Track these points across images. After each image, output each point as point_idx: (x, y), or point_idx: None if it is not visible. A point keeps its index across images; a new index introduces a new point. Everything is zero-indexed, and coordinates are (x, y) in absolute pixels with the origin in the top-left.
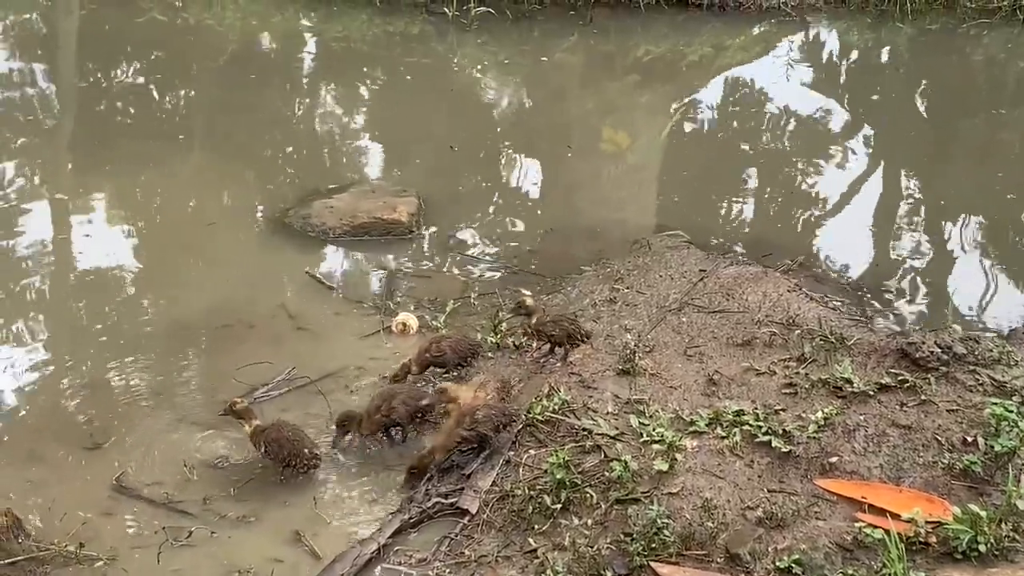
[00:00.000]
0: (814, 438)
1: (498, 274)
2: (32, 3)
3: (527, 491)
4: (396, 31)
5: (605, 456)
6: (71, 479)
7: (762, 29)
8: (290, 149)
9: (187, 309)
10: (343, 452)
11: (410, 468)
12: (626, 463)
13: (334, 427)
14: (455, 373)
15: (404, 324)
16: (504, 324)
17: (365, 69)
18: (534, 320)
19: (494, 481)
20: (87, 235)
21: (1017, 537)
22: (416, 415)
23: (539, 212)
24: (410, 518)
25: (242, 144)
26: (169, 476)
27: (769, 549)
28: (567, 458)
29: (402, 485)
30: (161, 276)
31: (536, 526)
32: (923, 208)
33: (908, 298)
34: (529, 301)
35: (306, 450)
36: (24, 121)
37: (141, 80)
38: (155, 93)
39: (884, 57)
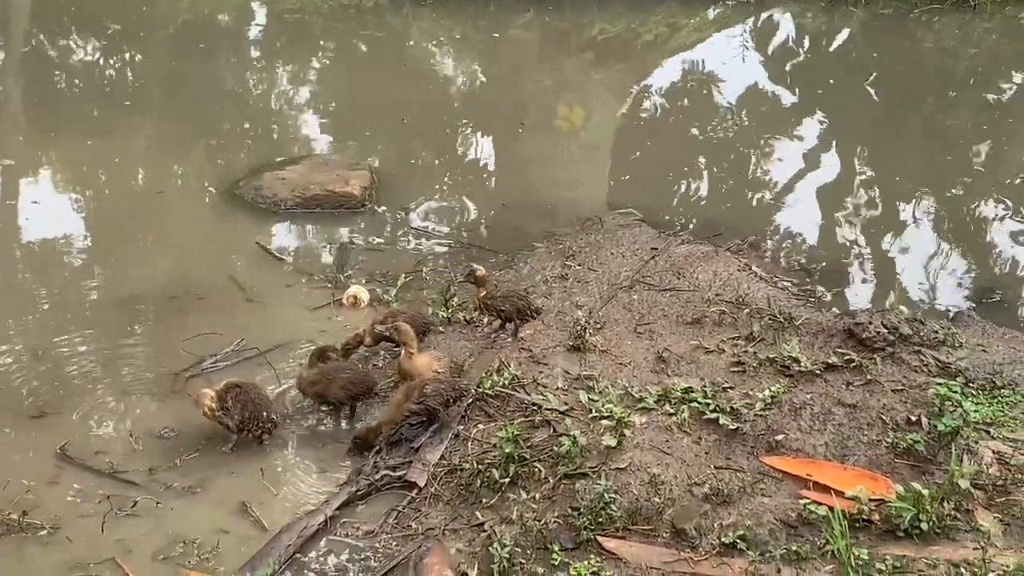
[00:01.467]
0: (761, 416)
1: (450, 249)
2: None
3: (476, 465)
4: (350, 4)
5: (554, 431)
6: (15, 448)
7: (717, 11)
8: (242, 121)
9: (136, 279)
10: (290, 423)
11: (355, 438)
12: (575, 438)
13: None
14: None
15: (355, 297)
16: (455, 299)
17: (319, 42)
18: (483, 292)
19: (443, 455)
20: (35, 202)
21: (958, 516)
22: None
23: (492, 188)
24: (358, 490)
25: (194, 115)
26: (115, 446)
27: (715, 525)
28: (516, 433)
29: (346, 454)
30: (110, 246)
31: (484, 500)
32: (872, 191)
33: (856, 279)
34: (480, 272)
35: (266, 413)
36: None
37: (91, 49)
38: (106, 62)
39: (837, 41)
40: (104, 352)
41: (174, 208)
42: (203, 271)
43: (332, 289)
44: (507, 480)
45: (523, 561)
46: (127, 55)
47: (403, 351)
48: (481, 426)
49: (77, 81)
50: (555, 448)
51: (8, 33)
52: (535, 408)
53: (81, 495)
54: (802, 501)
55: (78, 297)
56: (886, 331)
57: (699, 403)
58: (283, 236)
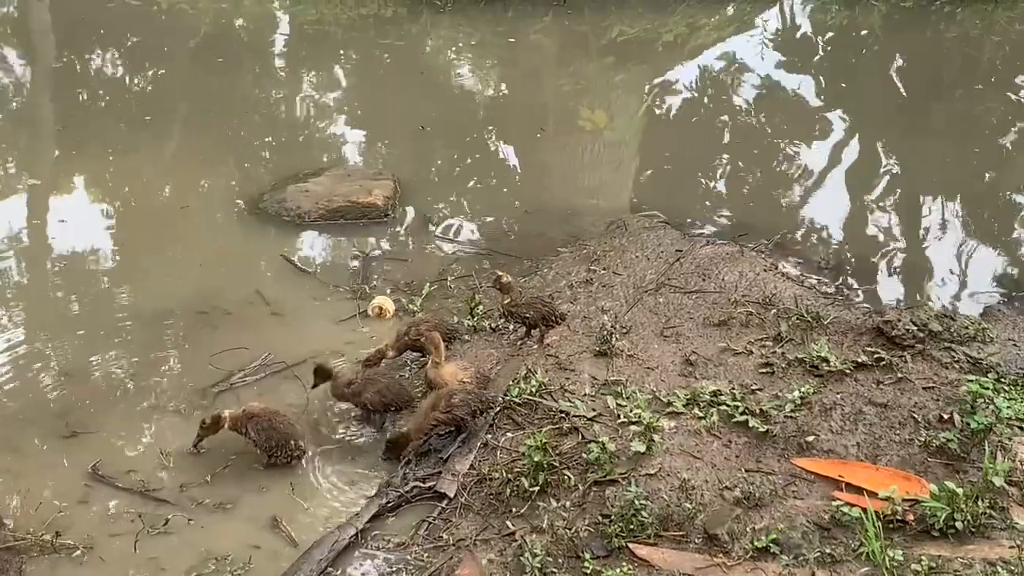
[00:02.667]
0: (791, 417)
1: (474, 257)
2: None
3: (505, 474)
4: (369, 14)
5: (583, 438)
6: (47, 468)
7: (736, 8)
8: (264, 133)
9: (163, 296)
10: (319, 437)
11: (388, 441)
12: (603, 445)
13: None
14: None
15: (380, 308)
16: (481, 307)
17: (339, 52)
18: (508, 299)
19: (472, 464)
20: (62, 220)
21: (993, 514)
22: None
23: (515, 194)
24: (388, 502)
25: (216, 128)
26: (145, 464)
27: (747, 529)
28: (545, 440)
29: (381, 456)
30: (137, 262)
31: (514, 509)
32: (899, 186)
33: (884, 276)
34: (506, 279)
35: (293, 441)
36: None
37: (114, 64)
38: (128, 77)
39: (858, 34)
40: (133, 369)
41: (199, 223)
42: (229, 285)
43: (357, 300)
44: (537, 488)
45: (555, 570)
46: (149, 69)
47: (430, 361)
48: (509, 435)
49: (100, 96)
50: (584, 455)
51: (32, 50)
52: (563, 415)
53: (113, 514)
54: (835, 503)
55: (106, 314)
56: (916, 328)
57: (728, 406)
58: (308, 248)
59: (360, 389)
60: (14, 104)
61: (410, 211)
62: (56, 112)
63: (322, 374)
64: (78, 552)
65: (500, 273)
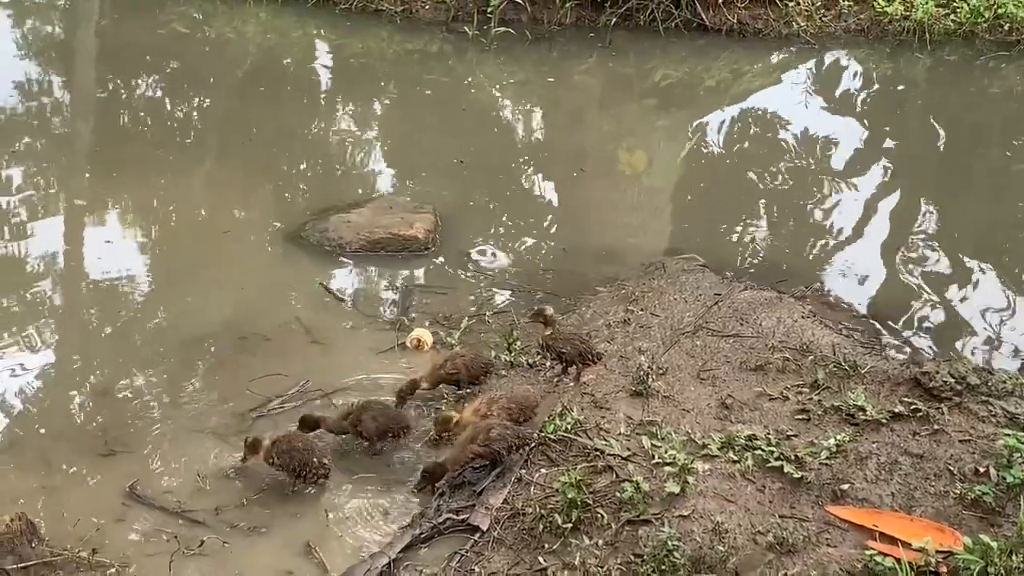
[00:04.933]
0: (826, 464)
1: (513, 293)
2: (52, 9)
3: (538, 509)
4: (415, 49)
5: (617, 477)
6: (85, 485)
7: (781, 56)
8: (308, 163)
9: (203, 320)
10: (355, 465)
11: (423, 471)
12: (637, 484)
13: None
14: (467, 390)
15: (419, 340)
16: (518, 342)
17: (384, 85)
18: (550, 332)
19: (505, 499)
20: (108, 241)
21: None
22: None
23: (554, 232)
24: (421, 533)
25: (260, 158)
26: (182, 485)
27: (779, 574)
28: (579, 478)
29: (415, 485)
30: (177, 286)
31: (546, 545)
32: (938, 238)
33: (922, 327)
34: (549, 311)
35: (315, 459)
36: (42, 129)
37: (160, 91)
38: (173, 104)
39: (902, 86)
40: (172, 390)
41: (240, 248)
42: (269, 312)
43: (396, 332)
44: (569, 525)
45: None
46: (194, 97)
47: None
48: (544, 471)
49: (144, 122)
50: (618, 494)
51: (75, 74)
52: (598, 453)
53: (149, 533)
54: (868, 552)
55: (146, 335)
56: (953, 380)
57: (763, 451)
58: (348, 278)
59: (357, 419)
60: (57, 125)
61: (450, 245)
62: (98, 135)
63: (308, 424)
64: (113, 570)
65: (543, 306)
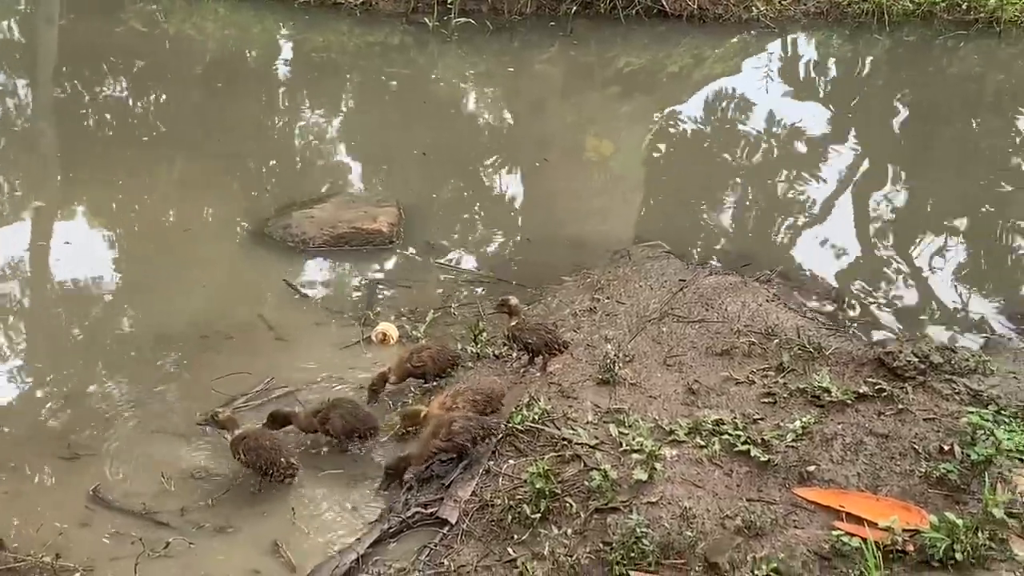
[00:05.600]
0: (792, 447)
1: (478, 284)
2: (10, 11)
3: (507, 501)
4: (376, 41)
5: (585, 465)
6: (48, 489)
7: (741, 40)
8: (268, 159)
9: (166, 319)
10: (322, 461)
11: (387, 468)
12: (605, 472)
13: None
14: (435, 383)
15: (384, 334)
16: (484, 334)
17: (345, 79)
18: (515, 322)
19: (474, 491)
20: (67, 242)
21: (993, 545)
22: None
23: (519, 223)
24: (389, 528)
25: (220, 154)
26: (146, 487)
27: (748, 558)
28: (547, 468)
29: (379, 485)
30: (140, 286)
31: (516, 536)
32: (900, 218)
33: (885, 308)
34: (513, 301)
35: (283, 459)
36: (2, 128)
37: (120, 89)
38: (134, 102)
39: (862, 68)
40: (135, 392)
41: (202, 246)
42: (232, 310)
43: (361, 327)
44: (538, 516)
45: None
46: (154, 94)
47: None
48: (511, 461)
49: (104, 121)
50: (586, 483)
51: (35, 74)
52: (565, 443)
53: (114, 536)
54: (835, 532)
55: (108, 336)
56: (917, 360)
57: (730, 435)
58: (312, 274)
59: (325, 417)
60: (17, 127)
61: (414, 238)
62: (59, 135)
63: (278, 420)
64: (78, 574)
65: (507, 296)
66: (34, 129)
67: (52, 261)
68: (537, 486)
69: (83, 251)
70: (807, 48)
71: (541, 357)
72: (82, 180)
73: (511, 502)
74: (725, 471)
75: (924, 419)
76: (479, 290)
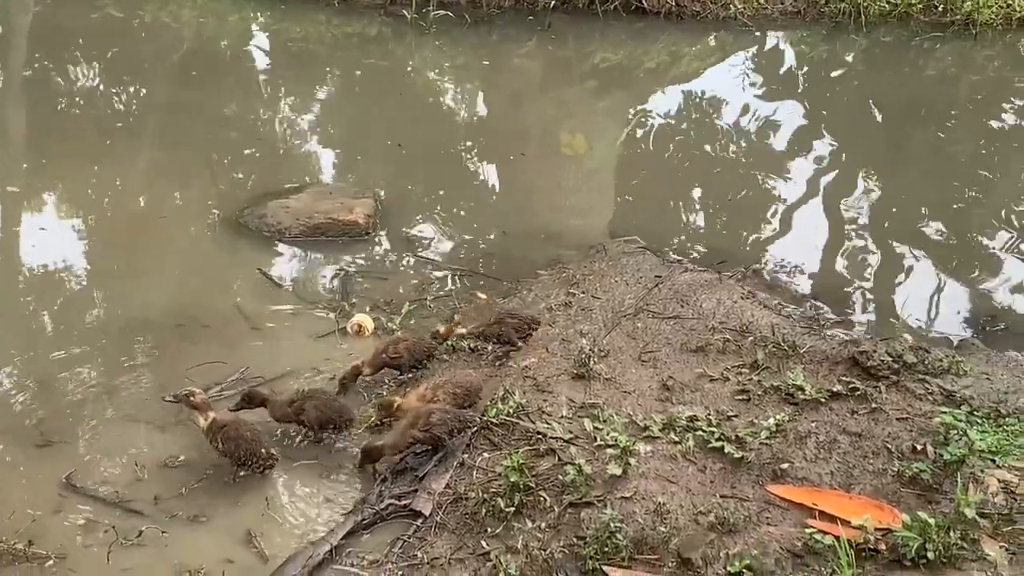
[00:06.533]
0: (766, 444)
1: (454, 276)
2: None
3: (481, 494)
4: (354, 32)
5: (559, 460)
6: (20, 477)
7: (718, 39)
8: (244, 148)
9: (140, 307)
10: (296, 452)
11: (362, 450)
12: (580, 467)
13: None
14: (409, 375)
15: (360, 325)
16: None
17: (323, 70)
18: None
19: (448, 483)
20: (42, 228)
21: (964, 544)
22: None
23: (495, 216)
24: (363, 519)
25: (197, 143)
26: (120, 475)
27: (721, 554)
28: (521, 461)
29: (356, 464)
30: (114, 274)
31: (489, 529)
32: (875, 219)
33: (860, 307)
34: (482, 296)
35: (263, 450)
36: None
37: (95, 76)
38: (109, 89)
39: (838, 68)
40: (109, 380)
41: (177, 235)
42: (208, 299)
43: (336, 317)
44: (512, 509)
45: None
46: (130, 82)
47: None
48: (486, 455)
49: (79, 107)
50: (560, 477)
51: (7, 59)
52: (540, 436)
53: (86, 524)
54: (808, 530)
55: (83, 324)
56: (891, 359)
57: (704, 431)
58: (287, 264)
59: (300, 408)
60: None
61: (390, 230)
62: (32, 121)
63: (254, 400)
64: (51, 562)
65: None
66: (4, 115)
67: (25, 247)
68: (511, 480)
69: (57, 238)
70: (784, 47)
71: (511, 344)
72: (55, 167)
73: (485, 495)
74: (699, 467)
75: (897, 418)
76: (454, 283)
